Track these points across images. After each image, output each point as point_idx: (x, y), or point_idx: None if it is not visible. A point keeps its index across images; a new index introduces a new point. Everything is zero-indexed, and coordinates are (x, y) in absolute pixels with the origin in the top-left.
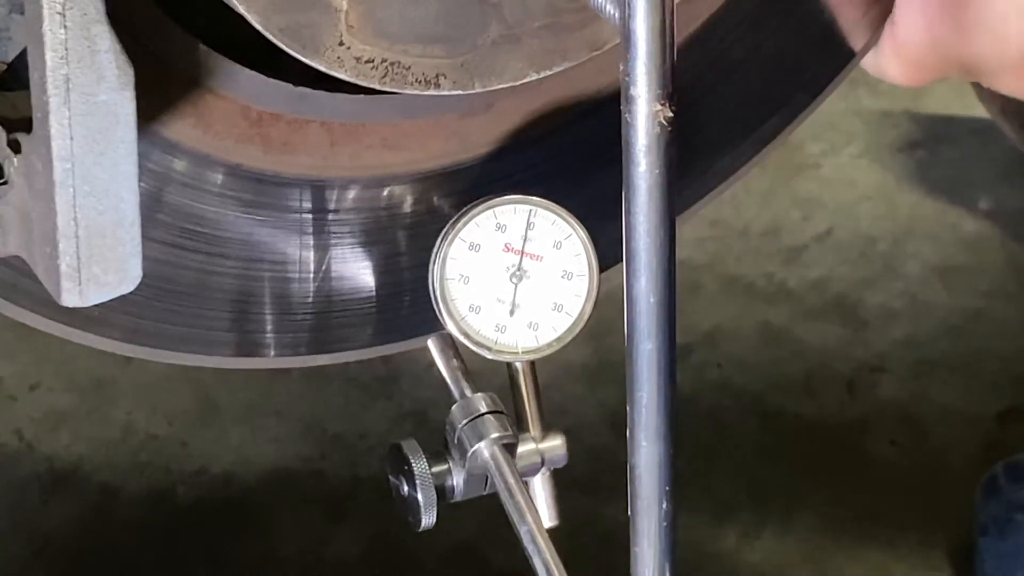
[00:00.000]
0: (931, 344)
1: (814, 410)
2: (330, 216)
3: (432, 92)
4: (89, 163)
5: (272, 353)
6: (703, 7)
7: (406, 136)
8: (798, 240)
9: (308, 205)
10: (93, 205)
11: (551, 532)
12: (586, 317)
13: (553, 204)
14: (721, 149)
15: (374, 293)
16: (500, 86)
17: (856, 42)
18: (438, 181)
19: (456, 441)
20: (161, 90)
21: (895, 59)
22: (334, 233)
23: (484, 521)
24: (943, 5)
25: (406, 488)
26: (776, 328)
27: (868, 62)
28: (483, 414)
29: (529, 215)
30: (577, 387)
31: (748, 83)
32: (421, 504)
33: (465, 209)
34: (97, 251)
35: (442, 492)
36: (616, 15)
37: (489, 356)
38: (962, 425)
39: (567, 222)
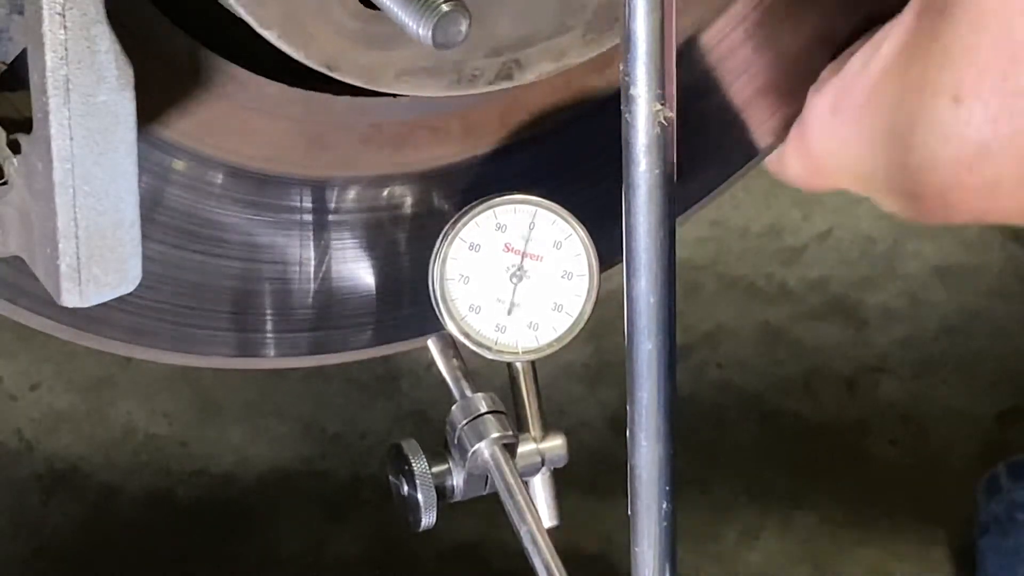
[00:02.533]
0: (931, 344)
1: (814, 410)
2: (330, 216)
3: (433, 93)
4: (89, 163)
5: (272, 353)
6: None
7: (406, 136)
8: (798, 240)
9: (308, 205)
10: (93, 205)
11: (551, 532)
12: (586, 317)
13: (553, 204)
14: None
15: (374, 293)
16: (593, 55)
17: None
18: (438, 181)
19: (456, 441)
20: (161, 90)
21: (798, 162)
22: (334, 233)
23: (484, 521)
24: (859, 115)
25: (406, 488)
26: (776, 328)
27: (771, 161)
28: (483, 414)
29: (529, 215)
30: (577, 387)
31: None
32: (421, 504)
33: (465, 209)
34: (97, 251)
35: (442, 492)
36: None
37: (489, 356)
38: (962, 425)
39: (567, 222)
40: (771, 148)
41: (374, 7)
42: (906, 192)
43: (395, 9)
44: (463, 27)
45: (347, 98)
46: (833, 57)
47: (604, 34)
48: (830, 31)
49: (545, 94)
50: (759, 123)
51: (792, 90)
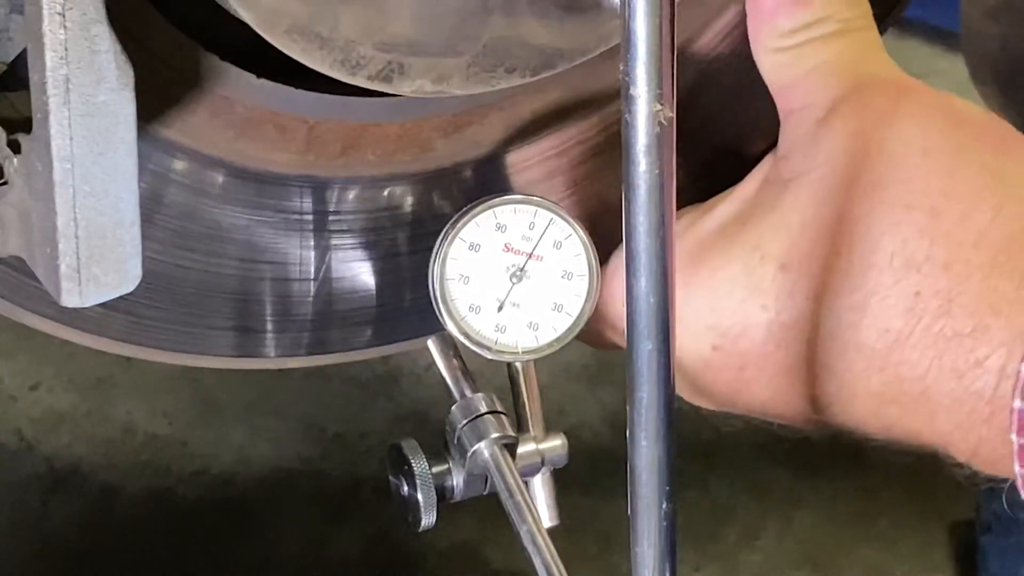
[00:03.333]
0: None
1: None
2: (330, 216)
3: (546, 75)
4: (89, 163)
5: (272, 353)
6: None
7: (406, 136)
8: None
9: (308, 205)
10: (93, 205)
11: (551, 532)
12: (586, 317)
13: (553, 204)
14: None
15: (374, 293)
16: (503, 86)
17: None
18: (438, 181)
19: (456, 441)
20: (161, 90)
21: (598, 321)
22: (334, 233)
23: (484, 521)
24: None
25: (406, 488)
26: None
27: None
28: (483, 414)
29: (529, 215)
30: (577, 387)
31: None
32: (421, 504)
33: (465, 209)
34: (97, 251)
35: (442, 492)
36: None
37: (489, 356)
38: None
39: (567, 222)
40: None
41: None
42: (709, 363)
43: None
44: None
45: (347, 98)
46: None
47: (488, 73)
48: None
49: (546, 94)
50: None
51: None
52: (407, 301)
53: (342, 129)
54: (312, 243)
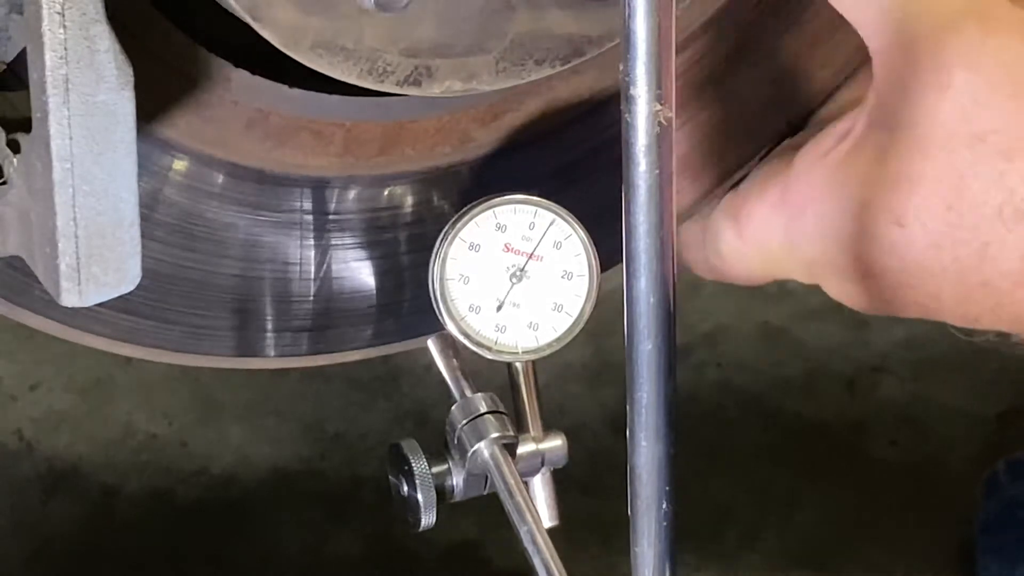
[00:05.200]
0: (931, 344)
1: (814, 410)
2: (330, 216)
3: (576, 62)
4: (88, 163)
5: (272, 353)
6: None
7: (406, 136)
8: None
9: (308, 205)
10: (92, 205)
11: (551, 532)
12: (586, 317)
13: (553, 204)
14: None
15: (374, 293)
16: (534, 78)
17: None
18: (438, 181)
19: (456, 441)
20: (161, 90)
21: (736, 260)
22: (334, 233)
23: (484, 521)
24: (804, 214)
25: (406, 488)
26: (776, 328)
27: (694, 257)
28: (483, 414)
29: (529, 215)
30: (577, 387)
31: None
32: (421, 504)
33: (465, 209)
34: (96, 251)
35: (442, 492)
36: None
37: (489, 356)
38: (962, 425)
39: (567, 222)
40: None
41: None
42: (854, 286)
43: None
44: None
45: (347, 98)
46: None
47: (517, 67)
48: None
49: (546, 94)
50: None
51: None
52: (407, 301)
53: (379, 129)
54: (312, 243)
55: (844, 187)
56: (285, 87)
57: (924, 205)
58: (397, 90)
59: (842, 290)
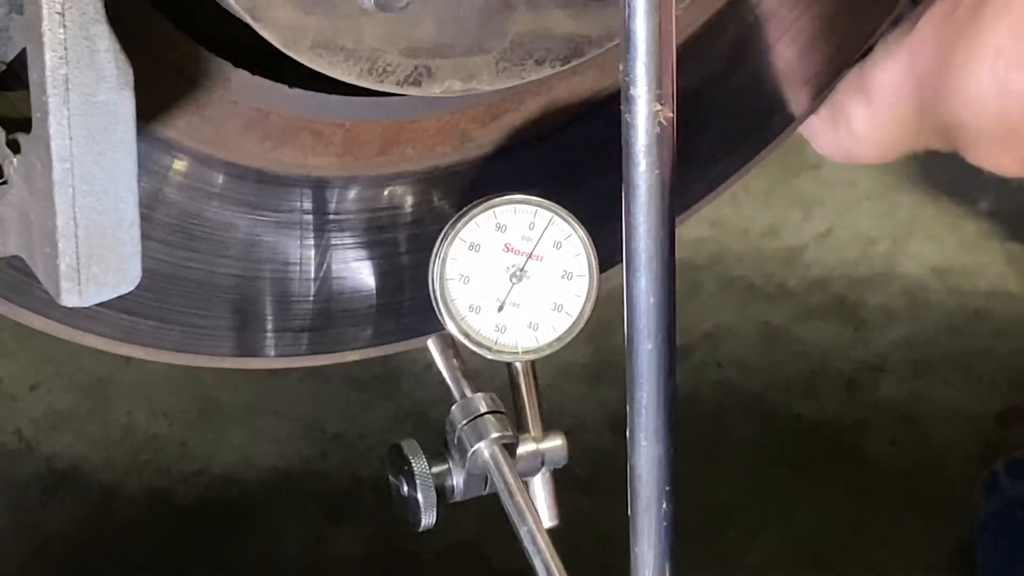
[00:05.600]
0: (931, 344)
1: (814, 410)
2: (330, 216)
3: (575, 63)
4: (88, 163)
5: (272, 353)
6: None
7: (406, 136)
8: (798, 240)
9: (308, 205)
10: (93, 205)
11: (551, 532)
12: (586, 317)
13: (553, 204)
14: (722, 149)
15: (374, 293)
16: (534, 78)
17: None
18: (438, 181)
19: (456, 441)
20: (161, 90)
21: (870, 132)
22: (334, 233)
23: (484, 521)
24: (931, 72)
25: (406, 488)
26: (776, 328)
27: (827, 143)
28: (483, 414)
29: (529, 215)
30: (577, 387)
31: (748, 82)
32: (421, 504)
33: (465, 209)
34: (96, 251)
35: (442, 492)
36: None
37: (489, 356)
38: (962, 425)
39: (567, 222)
40: (803, 119)
41: None
42: (973, 144)
43: None
44: None
45: (347, 98)
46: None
47: (517, 67)
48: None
49: (546, 94)
50: (801, 82)
51: (826, 62)
52: (407, 301)
53: (379, 129)
54: (312, 243)
55: (973, 40)
56: (285, 87)
57: (1013, 34)
58: (397, 90)
59: (981, 152)
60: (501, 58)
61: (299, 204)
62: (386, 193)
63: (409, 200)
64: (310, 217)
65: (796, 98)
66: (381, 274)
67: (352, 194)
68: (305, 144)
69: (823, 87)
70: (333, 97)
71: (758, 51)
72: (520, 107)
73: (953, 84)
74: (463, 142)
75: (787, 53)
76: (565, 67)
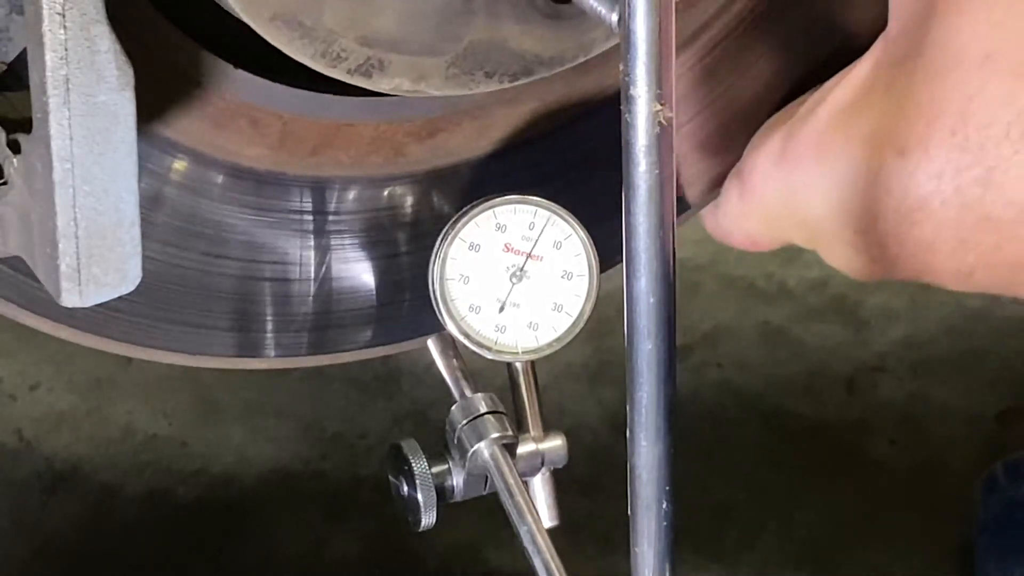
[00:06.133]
0: (931, 344)
1: (814, 410)
2: (330, 216)
3: (523, 81)
4: (89, 163)
5: (272, 353)
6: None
7: (341, 139)
8: None
9: (308, 205)
10: (93, 205)
11: (551, 532)
12: (586, 317)
13: (553, 204)
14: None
15: (374, 293)
16: (481, 90)
17: None
18: (438, 181)
19: (456, 441)
20: (161, 90)
21: (740, 212)
22: (334, 233)
23: (484, 521)
24: (805, 164)
25: (406, 488)
26: (776, 328)
27: (708, 222)
28: (483, 414)
29: (529, 215)
30: (577, 387)
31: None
32: (421, 504)
33: (465, 209)
34: (97, 251)
35: (442, 492)
36: (611, 17)
37: (489, 356)
38: (962, 425)
39: (567, 222)
40: (709, 199)
41: None
42: (848, 244)
43: None
44: None
45: (346, 98)
46: (778, 108)
47: (467, 76)
48: (777, 81)
49: (546, 94)
50: (699, 174)
51: (734, 142)
52: (407, 301)
53: (315, 127)
54: (312, 243)
55: (847, 128)
56: (231, 67)
57: (928, 131)
58: (347, 78)
59: (838, 253)
60: (452, 63)
61: (299, 204)
62: (386, 193)
63: (409, 200)
64: (310, 217)
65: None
66: (381, 274)
67: (353, 194)
68: (243, 131)
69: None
70: (276, 85)
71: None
72: (456, 129)
73: (822, 179)
74: (396, 155)
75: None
76: (513, 84)
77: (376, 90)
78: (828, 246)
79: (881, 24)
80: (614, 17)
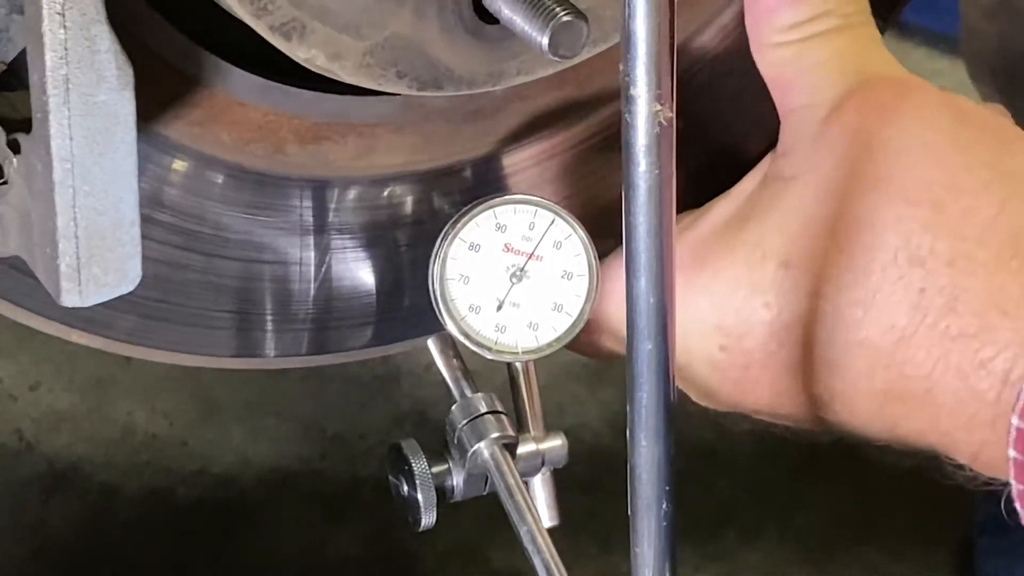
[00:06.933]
0: None
1: None
2: (330, 216)
3: (431, 93)
4: (89, 163)
5: (272, 353)
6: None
7: (226, 117)
8: None
9: (308, 205)
10: (93, 205)
11: (551, 532)
12: (586, 317)
13: (553, 204)
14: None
15: (374, 293)
16: (389, 89)
17: None
18: (438, 181)
19: (456, 441)
20: (162, 90)
21: (607, 331)
22: (334, 233)
23: (484, 521)
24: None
25: (406, 488)
26: None
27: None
28: (483, 414)
29: (529, 215)
30: (577, 387)
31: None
32: (421, 504)
33: (465, 209)
34: (97, 251)
35: (442, 492)
36: (542, 40)
37: (489, 356)
38: None
39: (567, 222)
40: None
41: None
42: (708, 362)
43: (514, 17)
44: (583, 36)
45: (346, 97)
46: None
47: (380, 69)
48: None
49: (546, 93)
50: None
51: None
52: (407, 301)
53: (207, 97)
54: (312, 243)
55: (729, 240)
56: (231, 66)
57: (814, 247)
58: (267, 34)
59: (696, 372)
60: (370, 51)
61: (299, 204)
62: (386, 193)
63: (410, 199)
64: (310, 217)
65: None
66: (381, 274)
67: (353, 193)
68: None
69: None
70: (178, 35)
71: None
72: (342, 141)
73: (694, 311)
74: (275, 151)
75: None
76: (419, 94)
77: (291, 56)
78: (687, 364)
79: (755, 142)
80: (544, 40)
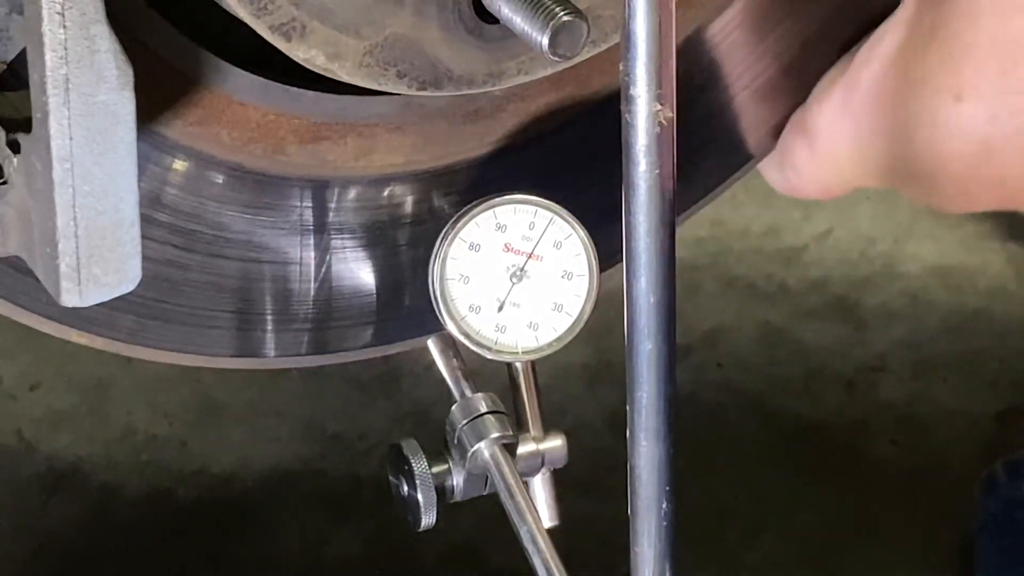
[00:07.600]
0: (931, 344)
1: (814, 410)
2: (330, 216)
3: (430, 93)
4: (89, 163)
5: (272, 353)
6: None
7: (227, 116)
8: (798, 240)
9: (308, 205)
10: (93, 205)
11: (551, 532)
12: (586, 317)
13: (553, 204)
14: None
15: (374, 293)
16: (389, 89)
17: None
18: (438, 181)
19: (456, 441)
20: (161, 90)
21: (812, 172)
22: (334, 233)
23: (484, 521)
24: (868, 112)
25: (406, 488)
26: (776, 328)
27: (776, 180)
28: (483, 414)
29: (529, 215)
30: (577, 387)
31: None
32: (421, 504)
33: (465, 209)
34: (97, 251)
35: (442, 492)
36: (542, 40)
37: (489, 356)
38: (962, 425)
39: (567, 222)
40: (768, 151)
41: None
42: (923, 185)
43: (514, 17)
44: (583, 36)
45: (346, 97)
46: (838, 56)
47: (380, 69)
48: (831, 31)
49: (546, 93)
50: (757, 125)
51: (792, 91)
52: (407, 301)
53: (207, 97)
54: (312, 243)
55: (902, 74)
56: (230, 65)
57: (978, 75)
58: (267, 34)
59: (917, 191)
60: (369, 51)
61: (299, 204)
62: (386, 192)
63: (410, 199)
64: (310, 217)
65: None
66: (381, 274)
67: (353, 193)
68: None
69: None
70: (190, 43)
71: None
72: (341, 141)
73: (887, 122)
74: (275, 152)
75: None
76: (419, 93)
77: (291, 56)
78: (907, 187)
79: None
80: (544, 40)
